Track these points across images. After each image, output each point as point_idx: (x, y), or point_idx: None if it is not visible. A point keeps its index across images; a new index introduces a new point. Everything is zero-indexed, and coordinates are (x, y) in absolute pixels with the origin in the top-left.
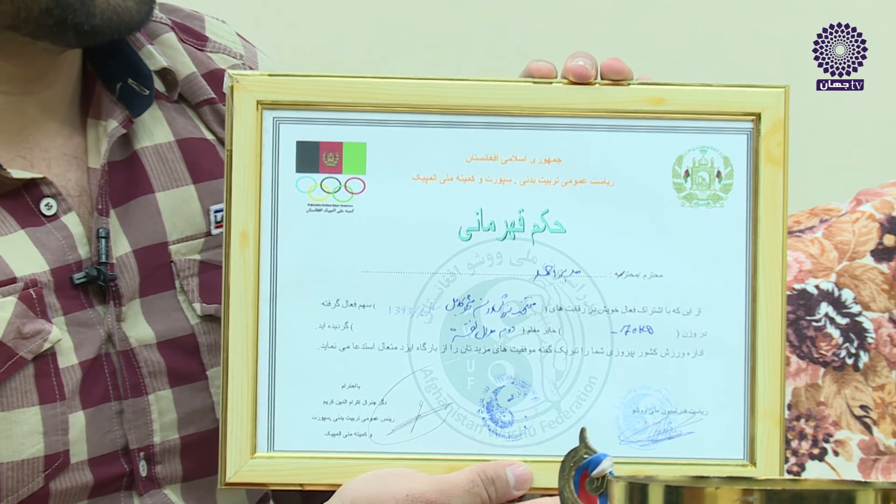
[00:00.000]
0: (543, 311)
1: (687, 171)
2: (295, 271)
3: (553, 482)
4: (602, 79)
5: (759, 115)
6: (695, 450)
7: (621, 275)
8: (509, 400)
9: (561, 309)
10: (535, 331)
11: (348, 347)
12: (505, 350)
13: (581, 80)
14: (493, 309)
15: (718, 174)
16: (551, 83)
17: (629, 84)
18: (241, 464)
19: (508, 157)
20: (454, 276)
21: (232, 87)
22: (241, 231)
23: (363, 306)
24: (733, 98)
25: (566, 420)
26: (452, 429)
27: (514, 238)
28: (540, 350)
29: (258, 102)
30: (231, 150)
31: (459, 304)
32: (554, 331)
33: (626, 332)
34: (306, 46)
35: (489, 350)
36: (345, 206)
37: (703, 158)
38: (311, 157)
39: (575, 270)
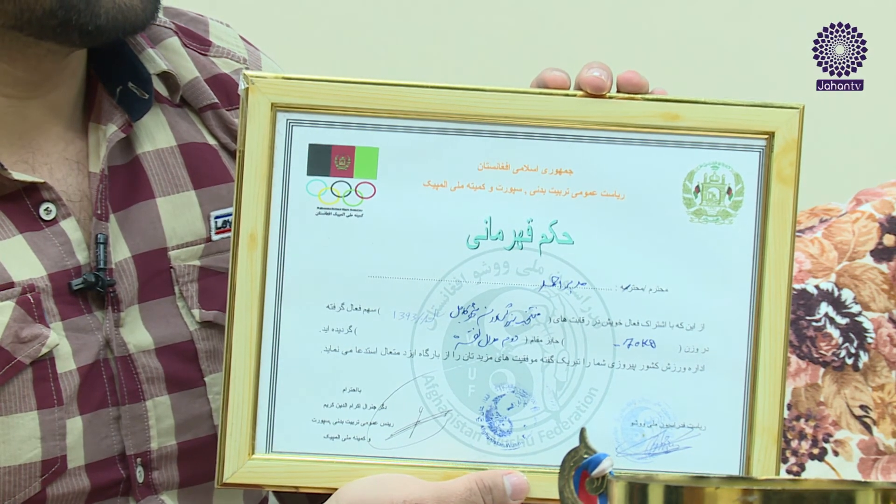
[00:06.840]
0: (547, 322)
1: (698, 187)
2: (301, 274)
3: (550, 492)
4: (618, 91)
5: (772, 134)
6: (691, 465)
7: (627, 288)
8: (509, 409)
9: (565, 320)
10: (537, 341)
11: (351, 351)
12: (507, 359)
13: (596, 93)
14: (497, 318)
15: (729, 191)
16: (566, 95)
17: (644, 99)
18: (238, 464)
19: (520, 167)
20: (460, 283)
21: (247, 89)
22: (249, 233)
23: (368, 311)
24: (748, 116)
25: (565, 430)
26: (451, 436)
27: (522, 248)
28: (542, 360)
29: (273, 104)
30: (243, 151)
31: (464, 312)
32: (557, 341)
33: (629, 345)
34: (314, 50)
35: (491, 358)
36: (354, 210)
37: (714, 174)
38: (322, 161)
39: (581, 282)
